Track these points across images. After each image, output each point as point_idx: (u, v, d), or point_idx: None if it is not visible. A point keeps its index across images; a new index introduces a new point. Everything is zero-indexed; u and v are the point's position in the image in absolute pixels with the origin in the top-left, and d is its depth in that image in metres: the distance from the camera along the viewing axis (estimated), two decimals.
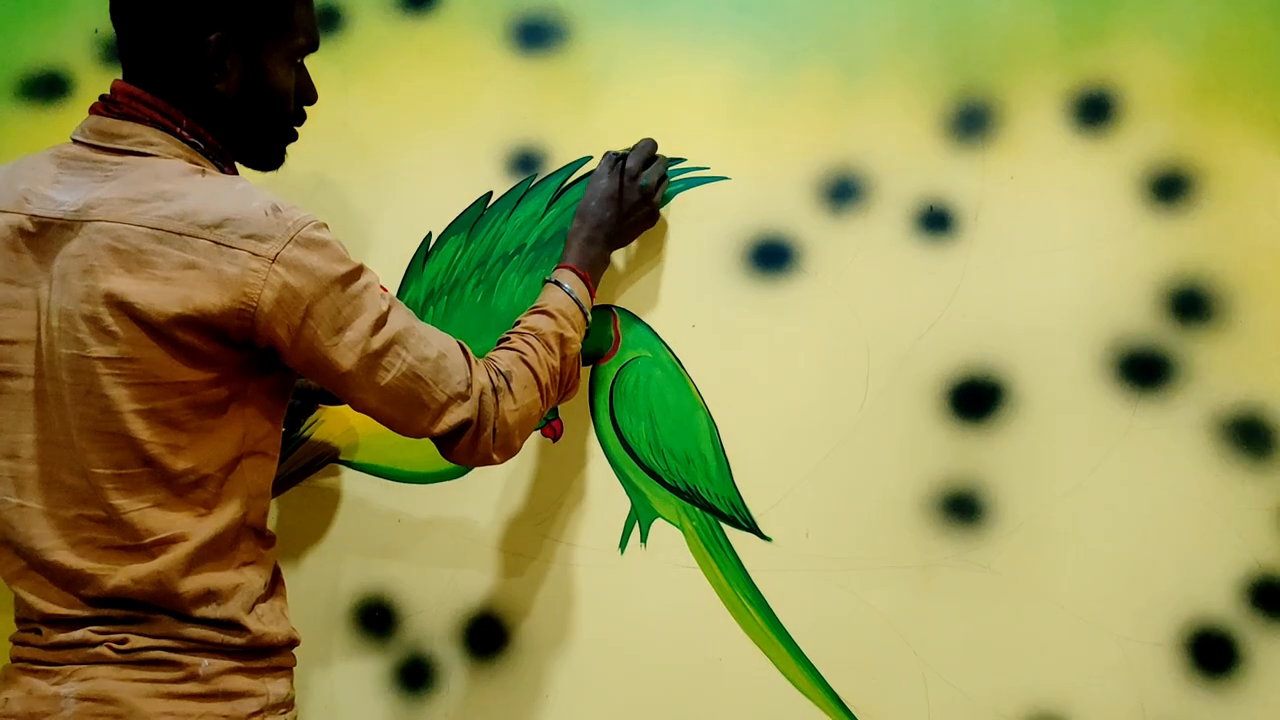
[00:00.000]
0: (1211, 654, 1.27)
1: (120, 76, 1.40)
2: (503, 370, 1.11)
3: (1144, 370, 1.31)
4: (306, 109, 1.15)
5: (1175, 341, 1.30)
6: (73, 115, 1.43)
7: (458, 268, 1.41)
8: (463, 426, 1.06)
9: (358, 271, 1.03)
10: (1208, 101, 1.33)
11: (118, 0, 1.06)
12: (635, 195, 1.30)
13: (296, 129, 1.15)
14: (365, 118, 1.43)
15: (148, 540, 0.98)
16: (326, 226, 1.02)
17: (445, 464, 1.36)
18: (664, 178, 1.35)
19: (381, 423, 1.08)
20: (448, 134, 1.42)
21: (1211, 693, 1.26)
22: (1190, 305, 1.31)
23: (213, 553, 1.02)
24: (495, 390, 1.08)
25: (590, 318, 1.26)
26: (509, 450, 1.11)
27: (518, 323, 1.19)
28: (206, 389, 0.99)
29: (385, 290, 1.06)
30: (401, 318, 1.05)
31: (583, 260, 1.27)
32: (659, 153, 1.35)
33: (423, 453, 1.36)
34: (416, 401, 1.05)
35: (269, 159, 1.15)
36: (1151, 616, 1.28)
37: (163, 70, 1.05)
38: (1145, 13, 1.35)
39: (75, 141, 1.05)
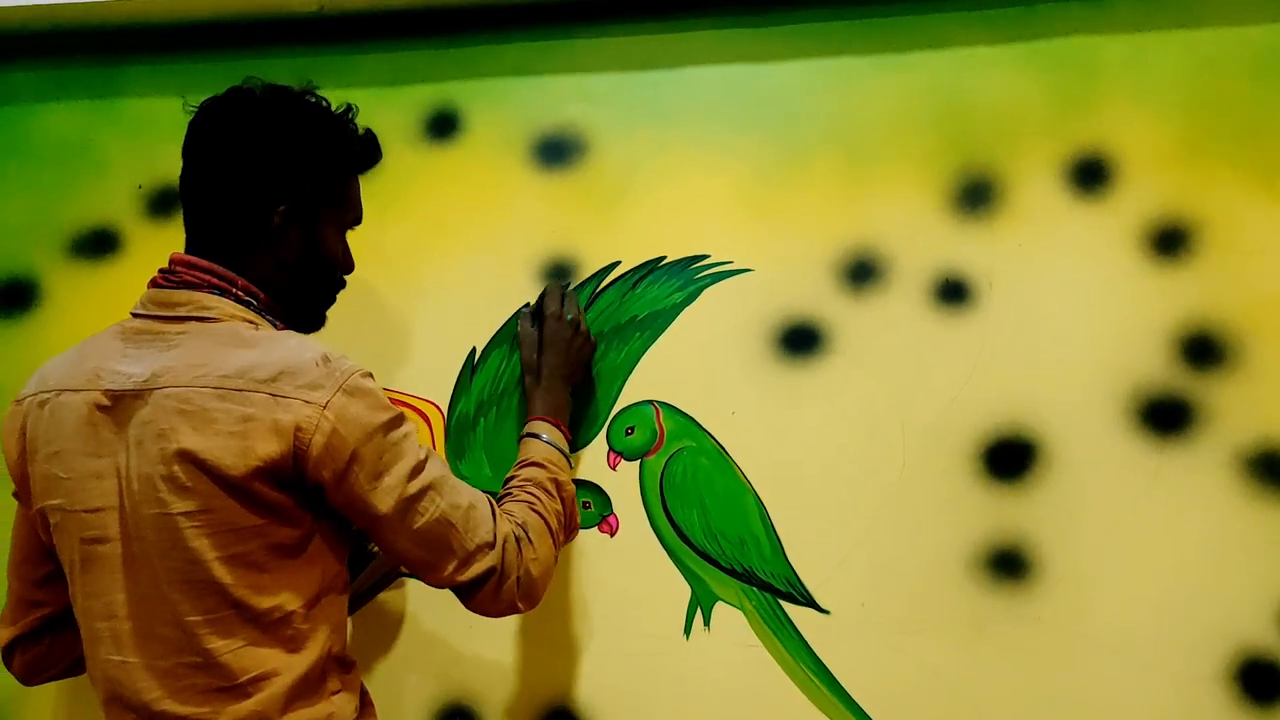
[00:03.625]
0: (1260, 682, 1.33)
1: (167, 230, 1.50)
2: (519, 521, 1.16)
3: (1165, 416, 1.37)
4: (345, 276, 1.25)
5: (1192, 386, 1.37)
6: (124, 270, 1.53)
7: (504, 378, 1.47)
8: (488, 574, 1.10)
9: (398, 420, 1.09)
10: (1196, 156, 1.41)
11: (190, 176, 1.14)
12: (568, 332, 1.38)
13: (336, 295, 1.24)
14: (402, 243, 1.51)
15: (243, 680, 1.04)
16: (371, 376, 1.09)
17: None
18: (579, 307, 1.43)
19: (408, 566, 1.13)
20: (482, 252, 1.50)
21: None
22: (1202, 350, 1.38)
23: (305, 688, 1.07)
24: (518, 540, 1.13)
25: (571, 460, 1.34)
26: (532, 599, 1.14)
27: (511, 477, 1.25)
28: (280, 531, 1.06)
29: (428, 448, 1.13)
30: (437, 466, 1.11)
31: (549, 409, 1.34)
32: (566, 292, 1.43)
33: None
34: (446, 546, 1.09)
35: (312, 321, 1.23)
36: (1199, 651, 1.34)
37: (228, 239, 1.13)
38: (1128, 78, 1.43)
39: (136, 315, 1.12)
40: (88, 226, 1.55)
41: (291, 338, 1.10)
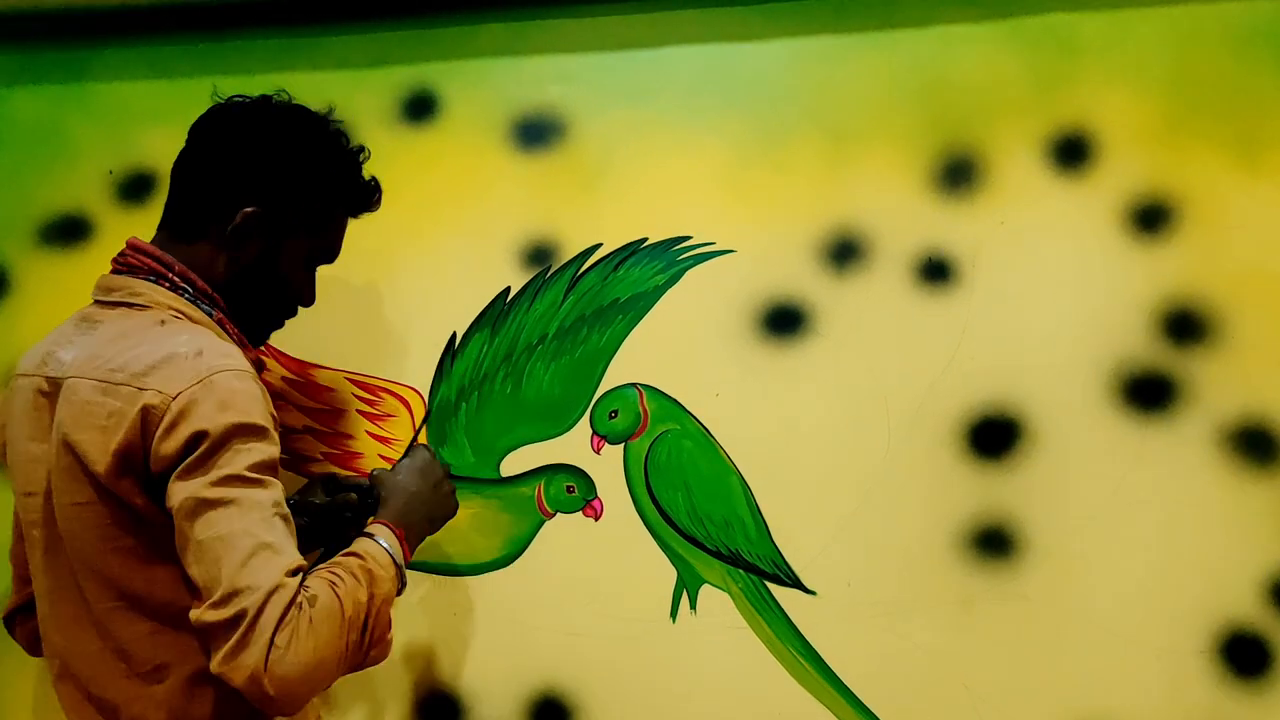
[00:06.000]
0: (1245, 656, 1.33)
1: (139, 216, 1.47)
2: (311, 594, 0.95)
3: (1149, 392, 1.37)
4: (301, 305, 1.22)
5: (1174, 362, 1.37)
6: (95, 257, 1.50)
7: (484, 363, 1.46)
8: (238, 618, 0.90)
9: (251, 429, 0.98)
10: (1176, 133, 1.41)
11: (182, 158, 1.14)
12: (440, 472, 1.24)
13: (284, 320, 1.21)
14: (380, 227, 1.47)
15: (149, 668, 1.03)
16: (253, 379, 1.02)
17: (493, 554, 1.43)
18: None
19: (192, 586, 0.96)
20: (461, 235, 1.48)
21: (1250, 693, 1.32)
22: (1184, 327, 1.38)
23: (211, 676, 0.95)
24: (298, 605, 0.93)
25: (404, 574, 1.10)
26: (282, 685, 0.90)
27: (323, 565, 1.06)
28: (157, 530, 1.01)
29: (271, 480, 0.99)
30: (263, 495, 0.96)
31: (398, 518, 1.15)
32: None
33: (469, 545, 1.42)
34: (215, 572, 0.92)
35: (252, 336, 1.17)
36: (1184, 626, 1.34)
37: (188, 224, 1.12)
38: (1108, 55, 1.43)
39: (95, 301, 1.11)
40: (58, 213, 1.52)
41: (186, 331, 1.04)
